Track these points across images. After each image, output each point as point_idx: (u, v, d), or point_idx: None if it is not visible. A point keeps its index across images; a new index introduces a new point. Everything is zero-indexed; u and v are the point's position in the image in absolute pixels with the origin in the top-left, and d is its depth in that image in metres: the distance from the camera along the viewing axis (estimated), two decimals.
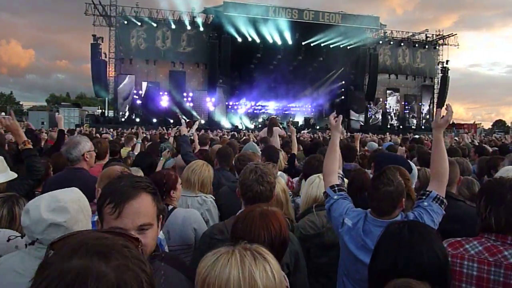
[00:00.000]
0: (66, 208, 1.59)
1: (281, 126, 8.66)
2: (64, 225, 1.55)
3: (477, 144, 8.75)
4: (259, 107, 34.09)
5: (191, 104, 29.28)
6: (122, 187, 1.33)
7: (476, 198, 1.91)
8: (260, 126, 27.19)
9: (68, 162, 3.36)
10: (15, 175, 2.60)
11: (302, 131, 18.05)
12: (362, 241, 2.11)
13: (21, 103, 65.98)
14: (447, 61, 33.97)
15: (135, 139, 7.13)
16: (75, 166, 3.28)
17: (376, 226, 2.10)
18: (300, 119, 32.79)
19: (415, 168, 3.50)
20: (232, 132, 18.82)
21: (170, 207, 2.67)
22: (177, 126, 6.21)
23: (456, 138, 13.15)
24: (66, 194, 1.66)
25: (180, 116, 14.40)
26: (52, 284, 0.62)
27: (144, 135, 11.29)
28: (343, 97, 33.89)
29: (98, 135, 11.53)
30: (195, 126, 10.07)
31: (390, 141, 10.09)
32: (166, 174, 2.76)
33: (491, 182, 1.91)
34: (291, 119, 32.07)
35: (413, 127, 32.51)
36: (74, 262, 0.64)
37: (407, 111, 33.86)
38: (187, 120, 17.97)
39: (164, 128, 18.11)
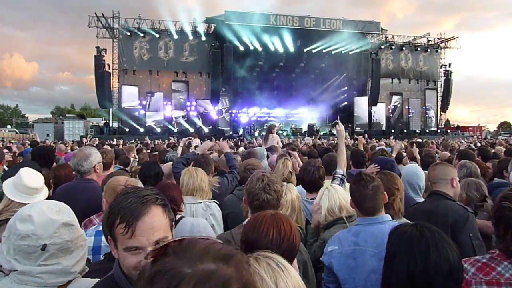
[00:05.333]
0: (68, 208, 1.56)
1: (281, 137, 8.84)
2: (74, 224, 1.52)
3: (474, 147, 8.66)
4: (263, 115, 34.13)
5: (195, 113, 29.40)
6: (130, 203, 1.27)
7: (497, 215, 1.75)
8: (263, 134, 27.23)
9: (77, 174, 3.33)
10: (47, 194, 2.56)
11: (306, 138, 18.02)
12: (354, 246, 2.12)
13: (26, 115, 66.63)
14: (449, 64, 33.96)
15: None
16: (85, 178, 3.25)
17: (367, 224, 2.17)
18: (303, 126, 32.76)
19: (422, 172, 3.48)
20: (235, 140, 18.84)
21: (178, 216, 2.67)
22: (188, 138, 6.20)
23: (463, 141, 13.06)
24: (55, 201, 1.61)
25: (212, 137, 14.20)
26: (199, 285, 0.67)
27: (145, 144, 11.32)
28: (346, 103, 33.87)
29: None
30: (198, 140, 10.12)
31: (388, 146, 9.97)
32: (175, 186, 2.76)
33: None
34: (293, 126, 32.09)
35: (417, 131, 32.36)
36: (208, 266, 0.70)
37: (411, 115, 33.74)
38: (192, 131, 18.05)
39: (173, 138, 18.14)
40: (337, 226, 2.54)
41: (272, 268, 1.03)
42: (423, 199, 3.35)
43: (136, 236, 1.24)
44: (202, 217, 2.98)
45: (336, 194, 2.67)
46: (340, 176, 3.44)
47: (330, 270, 2.16)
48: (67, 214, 1.52)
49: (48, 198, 3.45)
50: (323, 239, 2.53)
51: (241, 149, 10.50)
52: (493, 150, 6.60)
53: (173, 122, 29.20)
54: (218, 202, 3.28)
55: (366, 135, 20.62)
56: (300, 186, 3.66)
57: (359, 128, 31.19)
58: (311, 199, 3.32)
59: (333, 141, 12.23)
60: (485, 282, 1.64)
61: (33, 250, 1.40)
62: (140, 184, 3.26)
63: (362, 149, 5.67)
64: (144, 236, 1.25)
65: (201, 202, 3.11)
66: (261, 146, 8.05)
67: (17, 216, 1.48)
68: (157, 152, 7.64)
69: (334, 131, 4.10)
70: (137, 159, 5.67)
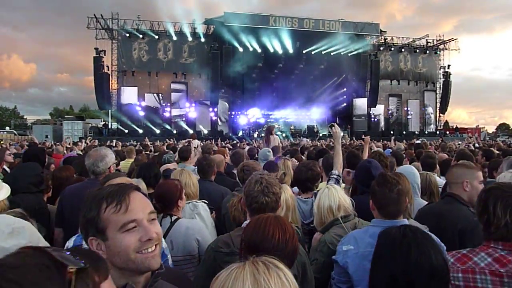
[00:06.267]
0: (22, 227, 1.37)
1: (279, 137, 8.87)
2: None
3: (473, 148, 8.71)
4: (262, 116, 34.12)
5: (194, 115, 29.39)
6: (110, 189, 1.25)
7: (481, 205, 1.83)
8: (263, 135, 27.18)
9: (91, 175, 3.31)
10: (9, 191, 2.46)
11: (304, 139, 18.04)
12: (371, 248, 2.07)
13: (25, 117, 66.54)
14: (448, 66, 34.03)
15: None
16: (99, 179, 3.18)
17: (385, 227, 2.09)
18: (303, 127, 32.77)
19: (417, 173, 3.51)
20: (235, 142, 18.84)
21: (174, 217, 2.66)
22: (187, 139, 6.27)
23: (460, 142, 13.08)
24: (5, 216, 1.43)
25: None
26: None
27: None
28: (345, 104, 33.91)
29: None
30: (198, 142, 10.11)
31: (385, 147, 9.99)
32: (175, 184, 2.76)
33: (500, 188, 1.81)
34: (292, 127, 32.10)
35: (416, 132, 32.43)
36: None
37: (410, 117, 33.79)
38: (191, 132, 18.03)
39: (172, 139, 18.14)
40: (335, 227, 2.53)
41: (282, 282, 1.03)
42: (421, 199, 3.38)
43: (132, 209, 1.21)
44: (189, 217, 3.01)
45: (336, 193, 2.68)
46: (335, 176, 3.49)
47: (344, 270, 2.12)
48: (22, 235, 1.34)
49: (54, 197, 3.48)
50: (324, 241, 2.52)
51: (247, 148, 10.51)
52: None
53: (172, 124, 29.19)
54: (207, 202, 3.30)
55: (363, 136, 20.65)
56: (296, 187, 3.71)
57: (358, 130, 31.24)
58: (305, 198, 3.41)
59: (331, 143, 12.25)
60: (461, 271, 1.74)
61: None
62: (142, 184, 3.26)
63: (367, 149, 5.64)
64: (139, 208, 1.22)
65: (189, 203, 3.15)
66: (261, 148, 8.05)
67: None
68: (157, 153, 7.64)
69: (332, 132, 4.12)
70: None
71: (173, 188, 2.70)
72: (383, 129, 32.68)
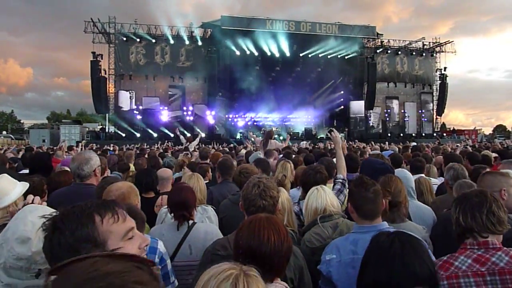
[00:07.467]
0: None
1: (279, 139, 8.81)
2: None
3: (470, 150, 8.70)
4: (259, 119, 34.13)
5: (191, 118, 29.38)
6: (96, 202, 1.22)
7: (452, 212, 1.93)
8: (260, 138, 27.12)
9: (76, 179, 3.24)
10: (27, 185, 2.41)
11: (302, 143, 18.05)
12: (352, 255, 2.09)
13: (22, 121, 66.35)
14: (445, 68, 34.20)
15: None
16: (85, 182, 3.15)
17: (364, 232, 2.13)
18: (300, 130, 32.79)
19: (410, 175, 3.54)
20: (231, 145, 18.83)
21: (191, 222, 2.66)
22: (185, 146, 6.30)
23: (458, 144, 13.13)
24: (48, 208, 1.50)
25: (178, 133, 14.33)
26: None
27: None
28: (342, 107, 33.99)
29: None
30: (195, 142, 10.12)
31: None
32: (190, 189, 2.76)
33: (462, 196, 1.96)
34: (291, 130, 32.10)
35: (413, 134, 32.52)
36: None
37: (407, 119, 33.90)
38: (187, 135, 18.04)
39: (169, 143, 18.10)
40: (316, 226, 2.59)
41: None
42: (417, 201, 3.39)
43: (127, 217, 1.21)
44: (199, 220, 3.01)
45: (323, 195, 2.71)
46: (341, 180, 3.50)
47: (329, 279, 2.13)
48: None
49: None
50: (303, 240, 2.59)
51: (243, 151, 10.51)
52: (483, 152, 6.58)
53: (170, 127, 29.13)
54: (214, 207, 3.32)
55: (356, 141, 20.82)
56: (295, 189, 3.70)
57: (355, 132, 31.33)
58: None
59: (329, 145, 12.27)
60: (446, 277, 1.77)
61: (26, 271, 1.35)
62: (136, 190, 3.26)
63: (345, 152, 5.68)
64: (129, 216, 1.24)
65: (198, 206, 3.14)
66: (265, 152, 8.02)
67: (16, 234, 1.37)
68: (150, 158, 7.61)
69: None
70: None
71: (191, 194, 2.71)
72: (380, 131, 32.74)
